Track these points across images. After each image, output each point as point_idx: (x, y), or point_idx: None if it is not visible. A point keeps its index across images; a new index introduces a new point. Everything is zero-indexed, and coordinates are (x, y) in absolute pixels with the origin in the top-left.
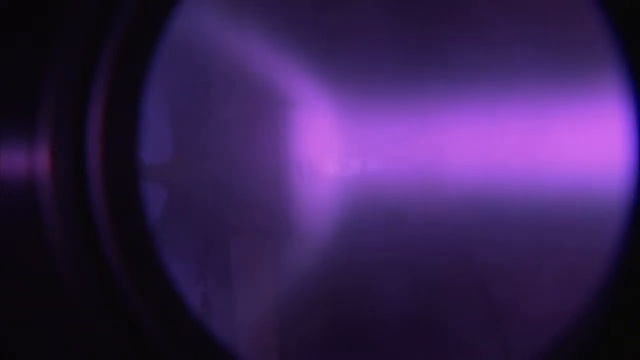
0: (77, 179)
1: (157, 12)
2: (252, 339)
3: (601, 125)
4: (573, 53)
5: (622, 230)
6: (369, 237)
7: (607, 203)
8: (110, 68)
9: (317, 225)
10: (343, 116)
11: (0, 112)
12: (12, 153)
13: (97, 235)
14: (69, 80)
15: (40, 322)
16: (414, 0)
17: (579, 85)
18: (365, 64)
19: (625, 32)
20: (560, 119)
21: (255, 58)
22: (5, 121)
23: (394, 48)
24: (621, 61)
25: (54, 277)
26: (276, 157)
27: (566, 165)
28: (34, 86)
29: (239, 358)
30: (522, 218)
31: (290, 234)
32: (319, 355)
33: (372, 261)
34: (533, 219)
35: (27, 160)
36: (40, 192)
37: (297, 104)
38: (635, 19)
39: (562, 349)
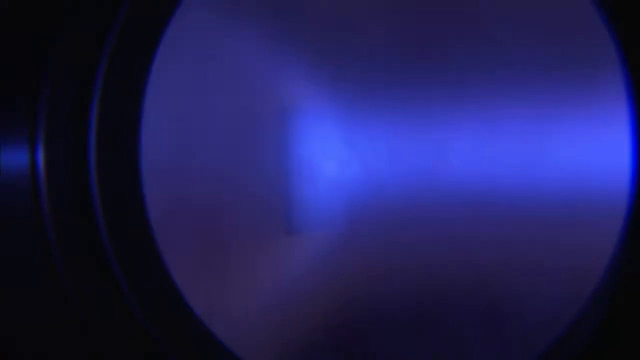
0: (77, 178)
1: (157, 13)
2: (252, 338)
3: (602, 127)
4: (574, 54)
5: (622, 230)
6: (369, 237)
7: (608, 203)
8: (111, 68)
9: (317, 225)
10: (344, 117)
11: (1, 112)
12: (13, 152)
13: (97, 235)
14: (69, 81)
15: (40, 322)
16: (415, 2)
17: (580, 86)
18: (365, 65)
19: (627, 34)
20: (561, 120)
21: (256, 58)
22: (6, 121)
23: (395, 49)
24: (623, 62)
25: (54, 277)
26: (276, 157)
27: (567, 165)
28: (35, 86)
29: (239, 357)
30: (523, 219)
31: (290, 234)
32: (319, 354)
33: (372, 261)
34: (534, 219)
35: (28, 160)
36: (40, 192)
37: (298, 104)
38: (636, 20)
39: (562, 349)
